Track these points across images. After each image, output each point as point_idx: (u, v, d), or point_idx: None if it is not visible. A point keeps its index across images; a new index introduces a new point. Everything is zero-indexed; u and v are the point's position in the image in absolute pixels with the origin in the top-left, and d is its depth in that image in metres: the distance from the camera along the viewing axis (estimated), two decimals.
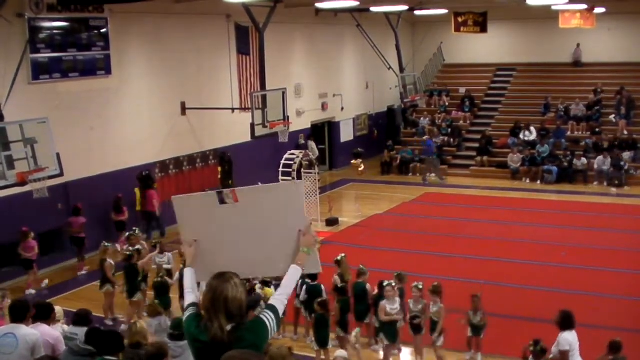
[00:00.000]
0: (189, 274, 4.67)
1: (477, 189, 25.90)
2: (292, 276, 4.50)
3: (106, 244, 14.65)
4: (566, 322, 9.44)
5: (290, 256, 4.58)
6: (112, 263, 14.17)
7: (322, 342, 11.63)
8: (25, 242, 15.93)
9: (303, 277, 12.23)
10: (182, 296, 13.08)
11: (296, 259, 4.54)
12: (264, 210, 4.59)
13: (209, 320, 4.11)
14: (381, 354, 12.34)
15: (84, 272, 17.31)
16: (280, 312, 4.35)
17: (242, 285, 4.25)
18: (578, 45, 31.37)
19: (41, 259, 16.89)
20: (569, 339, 9.33)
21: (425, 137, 28.63)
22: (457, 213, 22.15)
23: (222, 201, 4.59)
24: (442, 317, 11.58)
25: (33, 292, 15.90)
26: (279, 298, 4.41)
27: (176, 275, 13.34)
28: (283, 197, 4.66)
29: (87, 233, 17.55)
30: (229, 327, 4.07)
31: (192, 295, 4.54)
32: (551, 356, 9.52)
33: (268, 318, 4.24)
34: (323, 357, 11.73)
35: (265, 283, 12.22)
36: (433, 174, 27.42)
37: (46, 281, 16.81)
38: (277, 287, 11.80)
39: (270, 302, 4.39)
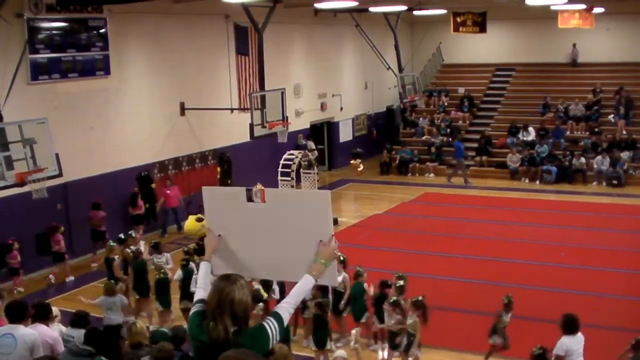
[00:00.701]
0: (204, 269, 4.64)
1: (476, 189, 25.91)
2: (303, 286, 4.39)
3: (112, 243, 14.71)
4: (568, 326, 9.33)
5: (305, 264, 4.48)
6: (119, 261, 14.24)
7: (320, 343, 11.62)
8: (54, 236, 16.53)
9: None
10: (183, 297, 13.11)
11: (311, 269, 4.42)
12: (289, 215, 4.54)
13: (213, 321, 4.08)
14: (380, 354, 12.34)
15: (95, 265, 17.62)
16: (285, 322, 4.26)
17: (247, 287, 4.21)
18: (574, 45, 31.37)
19: (40, 259, 16.93)
20: (567, 344, 9.24)
21: (452, 139, 28.10)
22: (456, 213, 22.15)
23: (249, 199, 4.57)
24: (418, 330, 11.16)
25: (52, 278, 16.41)
26: (286, 307, 4.31)
27: (177, 273, 13.33)
28: (310, 205, 4.58)
29: (88, 233, 17.79)
30: (232, 330, 4.04)
31: (202, 291, 4.46)
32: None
33: (271, 327, 4.16)
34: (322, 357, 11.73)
35: (266, 284, 12.17)
36: (455, 176, 26.88)
37: (72, 277, 16.85)
38: (280, 292, 11.78)
39: (276, 309, 4.29)
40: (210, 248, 4.68)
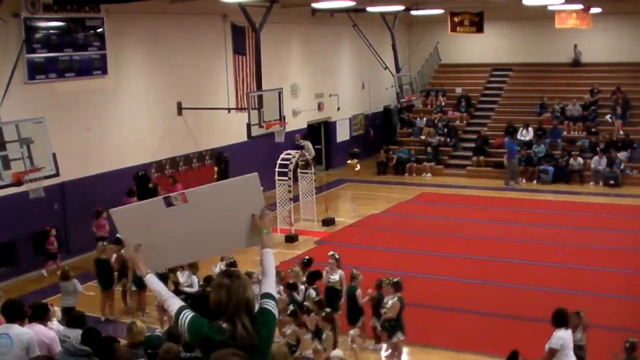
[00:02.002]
0: (154, 281, 4.50)
1: (473, 188, 25.92)
2: (269, 259, 4.52)
3: (104, 243, 14.77)
4: (560, 319, 9.43)
5: (242, 233, 4.59)
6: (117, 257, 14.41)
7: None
8: (98, 221, 17.30)
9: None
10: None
11: (263, 243, 4.55)
12: (216, 203, 4.55)
13: (230, 322, 4.07)
14: (383, 353, 12.36)
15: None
16: (276, 297, 4.41)
17: (249, 280, 4.29)
18: (575, 46, 31.40)
19: (38, 258, 16.94)
20: (563, 337, 9.33)
21: (506, 139, 27.42)
22: (453, 213, 22.16)
23: (169, 204, 4.50)
24: (395, 311, 11.49)
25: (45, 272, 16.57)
26: (271, 284, 4.43)
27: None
28: (237, 188, 4.62)
29: (85, 232, 17.77)
30: (249, 324, 4.08)
31: (175, 299, 4.43)
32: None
33: (272, 306, 4.27)
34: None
35: (293, 286, 12.29)
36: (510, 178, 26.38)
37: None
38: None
39: (265, 290, 4.37)
40: (137, 260, 4.53)
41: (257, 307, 4.27)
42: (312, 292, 12.34)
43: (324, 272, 12.96)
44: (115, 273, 14.57)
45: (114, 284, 14.60)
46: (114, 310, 14.66)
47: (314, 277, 12.59)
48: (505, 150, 26.88)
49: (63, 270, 13.63)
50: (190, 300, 11.39)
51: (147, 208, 4.64)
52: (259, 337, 4.08)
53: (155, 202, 4.58)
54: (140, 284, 14.04)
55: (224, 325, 4.08)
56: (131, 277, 14.14)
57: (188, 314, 4.27)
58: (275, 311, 4.29)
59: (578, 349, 10.08)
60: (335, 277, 12.80)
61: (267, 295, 4.33)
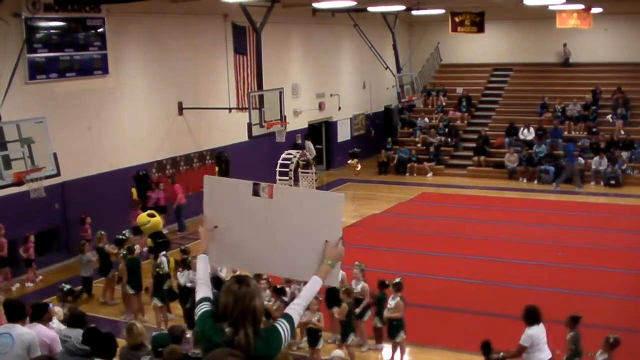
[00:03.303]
0: (202, 263, 4.55)
1: (474, 188, 25.92)
2: (312, 287, 4.37)
3: (102, 232, 14.99)
4: (530, 317, 9.71)
5: (311, 264, 4.45)
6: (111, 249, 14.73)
7: (313, 342, 11.72)
8: (84, 227, 17.51)
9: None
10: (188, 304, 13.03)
11: (319, 270, 4.41)
12: (296, 213, 4.47)
13: (233, 327, 4.03)
14: (387, 353, 12.37)
15: None
16: (296, 323, 4.25)
17: (261, 289, 4.22)
18: (565, 45, 31.40)
19: (38, 258, 16.92)
20: (532, 334, 9.63)
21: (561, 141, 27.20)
22: (454, 213, 22.16)
23: (255, 193, 4.49)
24: (401, 310, 11.69)
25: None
26: (296, 308, 4.29)
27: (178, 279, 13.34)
28: (320, 205, 4.51)
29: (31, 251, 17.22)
30: (252, 334, 4.02)
31: (205, 287, 4.42)
32: (501, 354, 9.78)
33: (283, 328, 4.15)
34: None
35: (280, 290, 12.16)
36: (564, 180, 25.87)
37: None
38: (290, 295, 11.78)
39: (287, 311, 4.29)
40: (206, 240, 4.61)
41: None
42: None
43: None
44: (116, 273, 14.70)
45: (111, 271, 15.02)
46: (114, 296, 15.14)
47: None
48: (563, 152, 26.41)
49: (80, 245, 15.36)
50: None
51: (236, 187, 4.62)
52: (255, 351, 3.99)
53: (244, 185, 4.57)
54: (138, 287, 14.07)
55: (227, 329, 4.05)
56: (126, 280, 14.12)
57: (205, 307, 4.29)
58: (284, 333, 4.14)
59: None
60: (359, 287, 12.63)
61: (285, 316, 4.24)
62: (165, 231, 20.03)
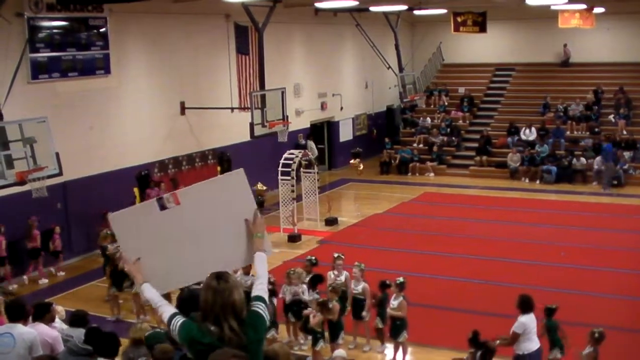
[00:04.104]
0: (150, 291, 4.53)
1: (476, 188, 25.91)
2: (262, 263, 4.58)
3: (108, 231, 14.91)
4: (524, 305, 10.09)
5: (244, 248, 4.58)
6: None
7: (333, 337, 11.79)
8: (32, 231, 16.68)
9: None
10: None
11: (255, 247, 4.60)
12: (209, 206, 4.51)
13: (216, 324, 4.12)
14: (389, 354, 12.37)
15: None
16: (267, 301, 4.45)
17: (240, 283, 4.30)
18: (565, 45, 31.38)
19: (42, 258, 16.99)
20: (525, 322, 10.00)
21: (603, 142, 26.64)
22: (456, 213, 22.15)
23: (162, 207, 4.47)
24: (405, 310, 11.74)
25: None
26: (262, 287, 4.48)
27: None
28: (226, 188, 4.60)
29: (88, 231, 17.87)
30: (236, 326, 4.12)
31: (167, 307, 4.48)
32: (498, 342, 9.98)
33: (262, 309, 4.33)
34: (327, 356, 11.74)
35: (271, 292, 12.14)
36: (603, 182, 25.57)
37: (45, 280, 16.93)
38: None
39: (256, 293, 4.43)
40: (137, 272, 4.56)
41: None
42: (316, 296, 12.32)
43: (330, 274, 12.88)
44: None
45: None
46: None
47: (315, 281, 12.55)
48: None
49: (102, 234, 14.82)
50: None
51: (142, 212, 4.60)
52: (247, 339, 4.13)
53: (149, 205, 4.55)
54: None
55: (212, 327, 4.13)
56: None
57: (179, 320, 4.35)
58: (265, 313, 4.34)
59: None
60: (342, 278, 12.72)
61: (258, 298, 4.39)
62: None
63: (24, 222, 16.49)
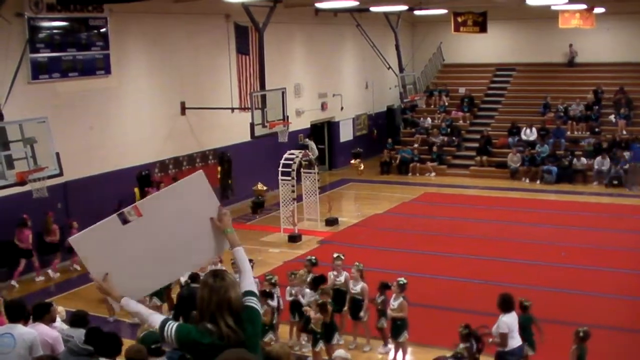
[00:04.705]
0: (132, 303, 4.47)
1: (477, 188, 25.92)
2: (242, 258, 4.58)
3: None
4: (506, 305, 10.24)
5: (210, 243, 4.61)
6: None
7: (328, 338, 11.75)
8: (21, 231, 16.35)
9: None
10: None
11: (230, 242, 4.62)
12: (171, 212, 4.50)
13: (213, 322, 4.12)
14: (391, 354, 12.37)
15: None
16: (257, 293, 4.49)
17: (237, 281, 4.34)
18: (571, 45, 31.37)
19: (42, 258, 17.01)
20: (508, 321, 10.13)
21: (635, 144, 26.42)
22: (457, 213, 22.15)
23: (125, 221, 4.42)
24: (406, 310, 11.77)
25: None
26: (250, 281, 4.51)
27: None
28: (186, 192, 4.58)
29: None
30: (232, 323, 4.13)
31: (156, 315, 4.45)
32: (491, 340, 10.24)
33: (254, 302, 4.35)
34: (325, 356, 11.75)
35: (268, 294, 12.13)
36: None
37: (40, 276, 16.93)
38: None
39: (246, 288, 4.42)
40: (110, 289, 4.47)
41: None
42: (317, 297, 12.32)
43: (330, 275, 12.91)
44: None
45: None
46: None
47: (317, 282, 12.57)
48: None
49: None
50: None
51: (104, 230, 4.48)
52: (245, 334, 4.15)
53: (110, 222, 4.47)
54: None
55: (210, 326, 4.13)
56: None
57: (172, 325, 4.30)
58: (258, 306, 4.37)
59: None
60: (341, 278, 12.78)
61: (249, 293, 4.40)
62: None
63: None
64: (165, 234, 4.53)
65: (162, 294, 13.52)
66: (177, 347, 4.42)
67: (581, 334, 9.92)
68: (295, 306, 12.50)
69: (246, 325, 4.19)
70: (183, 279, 13.20)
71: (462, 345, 10.03)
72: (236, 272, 4.66)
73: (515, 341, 10.27)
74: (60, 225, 16.99)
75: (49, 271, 16.86)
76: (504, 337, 10.12)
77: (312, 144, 26.79)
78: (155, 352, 7.45)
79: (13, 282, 16.22)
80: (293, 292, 12.53)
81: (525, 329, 10.63)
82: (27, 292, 15.61)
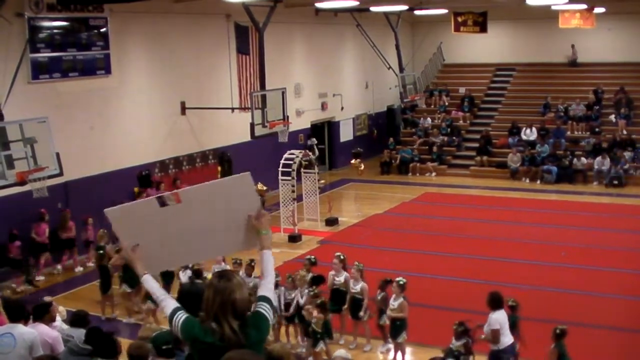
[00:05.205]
0: (151, 282, 4.54)
1: (477, 188, 25.92)
2: (268, 261, 4.52)
3: (104, 230, 14.99)
4: (495, 302, 10.33)
5: (240, 235, 4.59)
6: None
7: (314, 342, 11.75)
8: (38, 225, 16.77)
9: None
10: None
11: (261, 245, 4.55)
12: (210, 204, 4.54)
13: (217, 322, 4.09)
14: (391, 354, 12.37)
15: None
16: (274, 301, 4.42)
17: (245, 283, 4.26)
18: (573, 45, 31.36)
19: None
20: (499, 318, 10.20)
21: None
22: (457, 213, 22.14)
23: (162, 204, 4.48)
24: (406, 310, 11.76)
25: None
26: (268, 287, 4.42)
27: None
28: (230, 189, 4.62)
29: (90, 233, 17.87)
30: (237, 326, 4.08)
31: (170, 300, 4.46)
32: (483, 336, 10.37)
33: (266, 310, 4.26)
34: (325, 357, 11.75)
35: (275, 285, 12.09)
36: None
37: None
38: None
39: (261, 293, 4.36)
40: (136, 261, 4.55)
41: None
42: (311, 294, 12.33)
43: (330, 274, 12.91)
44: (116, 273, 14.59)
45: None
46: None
47: (316, 281, 12.57)
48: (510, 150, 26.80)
49: None
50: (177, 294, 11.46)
51: (141, 208, 4.63)
52: (247, 339, 4.07)
53: (149, 202, 4.57)
54: (131, 284, 14.08)
55: (214, 325, 4.10)
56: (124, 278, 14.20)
57: (182, 316, 4.30)
58: (269, 314, 4.26)
59: None
60: (341, 278, 12.77)
61: (263, 298, 4.32)
62: None
63: (24, 222, 16.49)
64: (200, 221, 4.55)
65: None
66: (182, 340, 4.43)
67: (557, 331, 9.99)
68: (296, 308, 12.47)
69: (250, 330, 4.13)
70: (183, 276, 13.23)
71: (458, 343, 10.07)
72: (249, 275, 4.65)
73: (507, 338, 10.33)
74: (53, 227, 17.17)
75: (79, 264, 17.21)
76: (496, 334, 10.17)
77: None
78: (166, 353, 7.43)
79: (38, 277, 16.68)
80: (293, 294, 12.49)
81: (513, 327, 10.65)
82: (27, 292, 15.63)
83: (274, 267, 4.56)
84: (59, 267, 17.15)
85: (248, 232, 4.58)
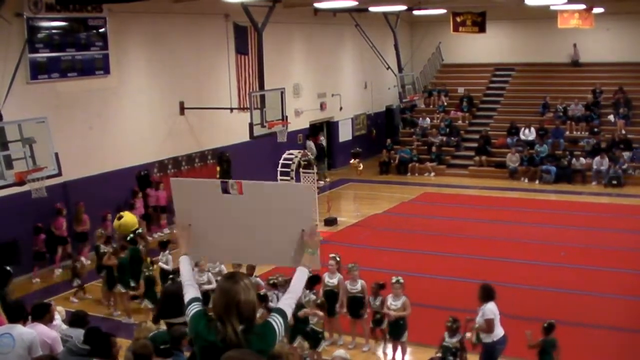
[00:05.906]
0: (185, 265, 4.59)
1: (476, 188, 25.93)
2: (300, 278, 4.46)
3: (102, 231, 15.03)
4: (488, 294, 10.53)
5: (289, 251, 4.55)
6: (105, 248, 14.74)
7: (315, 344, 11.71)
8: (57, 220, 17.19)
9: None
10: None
11: (303, 261, 4.49)
12: (268, 206, 4.54)
13: (221, 323, 4.09)
14: (390, 353, 12.36)
15: None
16: (289, 316, 4.32)
17: (252, 286, 4.23)
18: (575, 45, 31.38)
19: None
20: (492, 308, 10.38)
21: None
22: (456, 213, 22.15)
23: (225, 190, 4.54)
24: (409, 310, 11.78)
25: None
26: (288, 302, 4.36)
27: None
28: (291, 195, 4.62)
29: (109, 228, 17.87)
30: (240, 329, 4.06)
31: (192, 288, 4.47)
32: (477, 325, 10.46)
33: (277, 323, 4.20)
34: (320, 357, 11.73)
35: (274, 286, 12.07)
36: None
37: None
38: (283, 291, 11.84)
39: (279, 305, 4.33)
40: (184, 240, 4.65)
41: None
42: (312, 297, 12.29)
43: (324, 276, 12.86)
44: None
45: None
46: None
47: (312, 281, 12.53)
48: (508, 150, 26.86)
49: (162, 242, 14.93)
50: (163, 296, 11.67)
51: (205, 187, 4.69)
52: (248, 345, 4.03)
53: (213, 183, 4.63)
54: (127, 285, 14.08)
55: (219, 325, 4.10)
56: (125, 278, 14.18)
57: (195, 307, 4.33)
58: (278, 328, 4.19)
59: None
60: (334, 280, 12.67)
61: (277, 311, 4.28)
62: (166, 231, 20.16)
63: (24, 222, 16.48)
64: (255, 220, 4.56)
65: (156, 297, 13.47)
66: (188, 329, 4.45)
67: (545, 325, 10.15)
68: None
69: (253, 337, 4.08)
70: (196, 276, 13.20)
71: (454, 339, 10.12)
72: (250, 275, 4.63)
73: (500, 330, 10.45)
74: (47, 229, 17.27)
75: (82, 258, 16.92)
76: (490, 323, 10.27)
77: (310, 143, 26.80)
78: (163, 353, 7.43)
79: (57, 270, 17.07)
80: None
81: (553, 350, 10.56)
82: (28, 292, 15.60)
83: (303, 286, 4.49)
84: (83, 259, 17.10)
85: (299, 247, 4.54)
